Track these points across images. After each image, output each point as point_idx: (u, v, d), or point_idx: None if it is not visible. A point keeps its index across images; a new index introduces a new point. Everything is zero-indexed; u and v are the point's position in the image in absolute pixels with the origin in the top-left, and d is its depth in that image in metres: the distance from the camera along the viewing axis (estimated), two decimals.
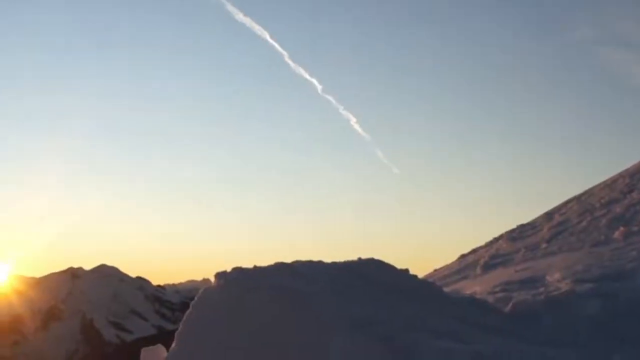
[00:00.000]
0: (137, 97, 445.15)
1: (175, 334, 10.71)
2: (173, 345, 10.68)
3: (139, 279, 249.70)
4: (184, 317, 10.82)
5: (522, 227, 25.48)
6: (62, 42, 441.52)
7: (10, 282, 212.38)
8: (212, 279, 11.24)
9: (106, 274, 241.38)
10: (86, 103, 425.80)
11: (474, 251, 25.41)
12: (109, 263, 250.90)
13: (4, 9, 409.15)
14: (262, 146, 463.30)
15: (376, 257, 12.60)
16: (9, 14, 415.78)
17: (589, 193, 27.32)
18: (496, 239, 25.63)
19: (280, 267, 11.42)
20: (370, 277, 11.81)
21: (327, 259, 12.16)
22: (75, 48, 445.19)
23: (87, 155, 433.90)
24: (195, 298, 11.02)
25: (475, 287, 16.26)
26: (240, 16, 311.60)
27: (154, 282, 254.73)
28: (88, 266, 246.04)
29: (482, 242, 26.38)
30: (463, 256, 25.28)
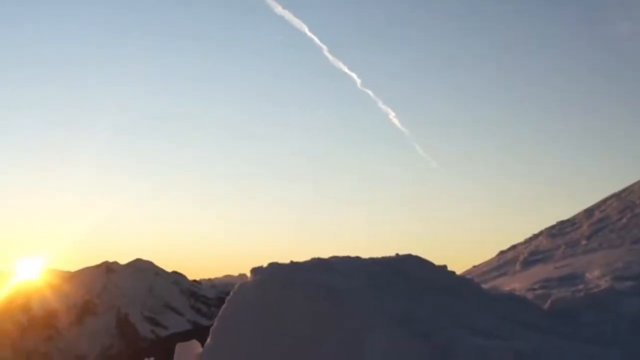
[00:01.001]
0: (172, 90, 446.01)
1: (211, 329, 10.76)
2: (208, 340, 10.73)
3: (175, 273, 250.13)
4: (219, 313, 10.87)
5: (562, 224, 25.39)
6: (99, 34, 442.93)
7: (45, 277, 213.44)
8: (249, 274, 11.28)
9: (141, 269, 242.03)
10: (121, 95, 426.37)
11: (513, 247, 25.36)
12: (144, 257, 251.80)
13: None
14: (300, 140, 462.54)
15: (414, 253, 12.63)
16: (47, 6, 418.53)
17: (629, 190, 27.17)
18: (536, 236, 25.55)
19: (316, 262, 11.44)
20: (408, 273, 11.80)
21: (364, 254, 12.20)
22: (111, 41, 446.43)
23: (124, 148, 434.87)
24: (231, 293, 11.06)
25: (514, 283, 16.23)
26: (279, 9, 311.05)
27: (190, 277, 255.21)
28: (123, 260, 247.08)
29: (521, 239, 26.33)
30: (502, 252, 25.25)
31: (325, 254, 11.84)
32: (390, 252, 12.57)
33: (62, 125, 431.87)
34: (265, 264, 11.23)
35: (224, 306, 10.92)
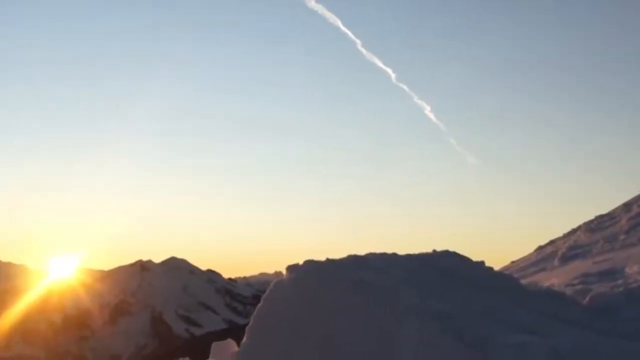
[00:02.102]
0: (209, 89, 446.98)
1: (246, 328, 10.84)
2: (244, 339, 10.82)
3: (210, 271, 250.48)
4: (255, 311, 10.96)
5: (600, 218, 25.28)
6: (147, 36, 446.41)
7: (78, 276, 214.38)
8: (284, 272, 11.35)
9: (176, 267, 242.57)
10: (160, 96, 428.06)
11: (551, 242, 25.29)
12: (179, 256, 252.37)
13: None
14: (334, 137, 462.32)
15: (451, 248, 12.66)
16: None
17: None
18: (574, 230, 25.46)
19: (353, 259, 11.49)
20: (445, 269, 11.84)
21: (401, 251, 12.24)
22: (157, 42, 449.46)
23: (159, 147, 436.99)
24: (267, 291, 11.13)
25: (553, 279, 16.24)
26: (312, 3, 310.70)
27: (225, 275, 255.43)
28: (157, 259, 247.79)
29: (559, 234, 26.25)
30: (540, 248, 25.19)
31: (361, 251, 11.91)
32: (427, 248, 12.65)
33: (98, 124, 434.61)
34: (301, 262, 11.28)
35: (259, 304, 10.99)
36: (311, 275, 10.81)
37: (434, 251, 12.50)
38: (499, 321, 10.15)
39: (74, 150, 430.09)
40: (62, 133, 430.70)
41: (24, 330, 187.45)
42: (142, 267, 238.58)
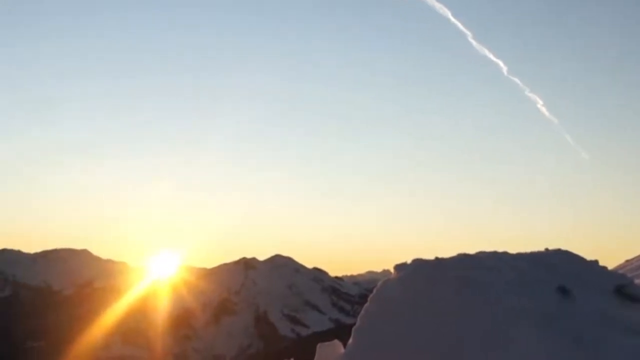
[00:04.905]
0: (315, 83, 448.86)
1: (353, 328, 10.96)
2: (350, 340, 10.94)
3: (316, 269, 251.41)
4: (362, 311, 11.07)
5: None
6: (250, 31, 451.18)
7: (181, 274, 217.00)
8: (392, 271, 11.45)
9: (281, 265, 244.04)
10: (262, 91, 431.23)
11: None
12: (284, 253, 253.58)
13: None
14: (442, 131, 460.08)
15: (563, 247, 12.63)
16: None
17: None
18: None
19: (462, 258, 11.57)
20: (557, 268, 11.81)
21: (512, 249, 12.27)
22: (250, 45, 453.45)
23: (262, 143, 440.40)
24: (374, 291, 11.23)
25: None
26: None
27: (331, 274, 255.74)
28: (262, 256, 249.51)
29: None
30: None
31: (470, 249, 11.97)
32: (538, 247, 12.62)
33: (201, 120, 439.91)
34: (409, 260, 11.39)
35: (367, 304, 11.10)
36: (420, 274, 10.92)
37: (546, 250, 12.48)
38: (614, 323, 10.12)
39: (175, 147, 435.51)
40: (163, 128, 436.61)
41: (125, 330, 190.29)
42: (247, 265, 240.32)
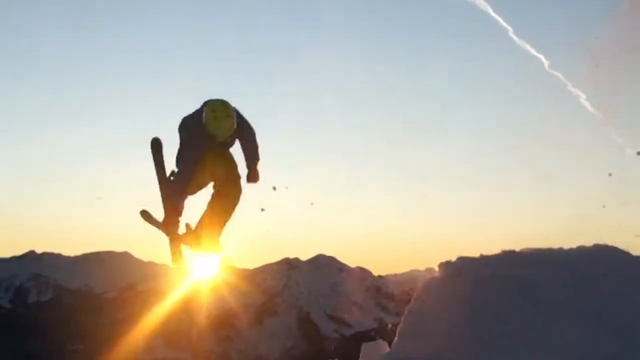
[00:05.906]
0: (368, 79, 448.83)
1: (398, 328, 10.92)
2: (395, 340, 10.91)
3: (359, 268, 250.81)
4: (406, 310, 11.03)
5: None
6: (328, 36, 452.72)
7: (222, 275, 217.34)
8: (436, 269, 11.41)
9: (324, 264, 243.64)
10: (314, 88, 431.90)
11: None
12: (327, 253, 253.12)
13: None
14: (482, 128, 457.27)
15: (610, 242, 12.49)
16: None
17: None
18: None
19: (508, 255, 11.46)
20: (604, 265, 11.65)
21: (556, 245, 12.14)
22: (326, 47, 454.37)
23: (303, 141, 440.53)
24: (418, 290, 11.19)
25: None
26: None
27: (375, 272, 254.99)
28: (304, 256, 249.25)
29: None
30: None
31: (515, 246, 11.86)
32: (585, 243, 12.48)
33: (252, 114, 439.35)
34: (453, 258, 11.33)
35: (410, 303, 11.07)
36: (465, 273, 10.85)
37: (595, 245, 12.33)
38: None
39: None
40: None
41: (167, 333, 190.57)
42: (289, 265, 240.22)
